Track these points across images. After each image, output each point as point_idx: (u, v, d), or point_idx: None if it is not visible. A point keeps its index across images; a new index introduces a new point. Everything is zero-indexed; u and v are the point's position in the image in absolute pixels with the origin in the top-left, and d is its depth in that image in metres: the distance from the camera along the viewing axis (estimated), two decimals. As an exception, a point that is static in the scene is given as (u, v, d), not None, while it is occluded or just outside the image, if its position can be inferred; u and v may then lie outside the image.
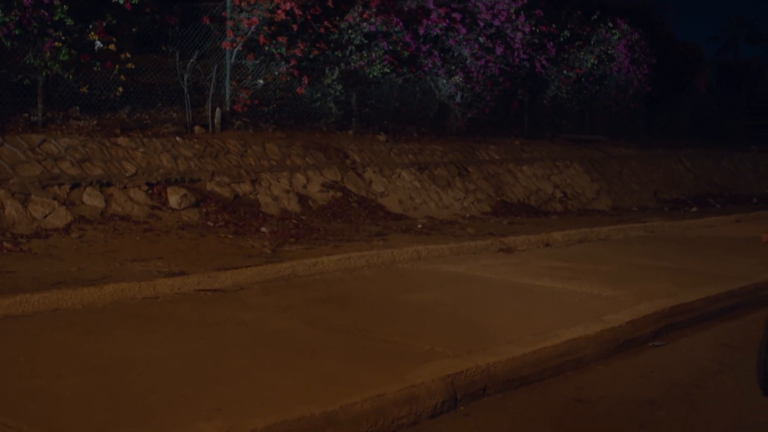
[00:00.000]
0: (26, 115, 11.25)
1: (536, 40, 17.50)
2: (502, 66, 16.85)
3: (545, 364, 6.60)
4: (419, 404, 5.51)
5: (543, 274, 9.79)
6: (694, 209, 18.51)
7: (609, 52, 19.24)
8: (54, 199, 10.17)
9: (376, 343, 6.53)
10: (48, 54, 10.85)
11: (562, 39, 18.31)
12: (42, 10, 10.48)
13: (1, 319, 6.74)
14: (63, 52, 10.89)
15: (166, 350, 6.12)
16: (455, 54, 16.11)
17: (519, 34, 16.84)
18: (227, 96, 13.19)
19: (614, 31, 19.19)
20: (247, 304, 7.71)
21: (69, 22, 10.78)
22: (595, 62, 19.05)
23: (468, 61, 16.24)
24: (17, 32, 10.43)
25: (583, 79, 19.11)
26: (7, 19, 10.20)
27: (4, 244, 9.19)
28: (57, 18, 10.63)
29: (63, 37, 10.87)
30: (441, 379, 5.74)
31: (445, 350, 6.40)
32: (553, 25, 17.96)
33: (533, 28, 17.24)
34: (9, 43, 10.54)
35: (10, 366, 5.59)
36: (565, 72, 18.62)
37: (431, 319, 7.47)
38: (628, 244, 12.81)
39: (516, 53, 17.07)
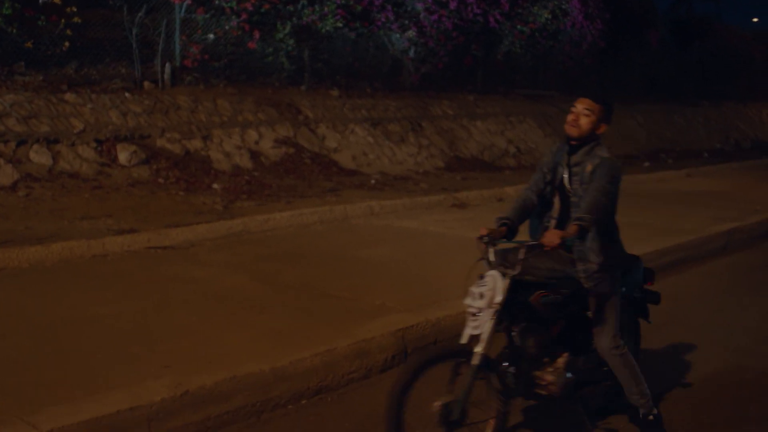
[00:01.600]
0: (-32, 71, 10.99)
1: (490, -5, 17.40)
2: (456, 21, 16.75)
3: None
4: (370, 358, 5.53)
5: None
6: (647, 164, 18.67)
7: (563, 6, 19.18)
8: (-1, 156, 9.98)
9: (327, 299, 6.53)
10: (-10, 8, 10.58)
11: (515, -7, 18.24)
12: (-17, -38, 10.21)
13: (-56, 278, 6.63)
14: (6, 5, 10.63)
15: (115, 308, 6.06)
16: (408, 8, 15.97)
17: (472, -11, 16.73)
18: (177, 51, 12.98)
19: (568, -14, 19.16)
20: (198, 261, 7.65)
21: (11, -26, 10.51)
22: (549, 17, 18.99)
23: (421, 16, 16.11)
24: (-42, -15, 10.16)
25: (537, 35, 19.05)
26: (-54, -28, 9.92)
27: (-52, 202, 9.02)
28: (-1, -30, 10.37)
29: (6, -9, 10.61)
30: (392, 333, 5.77)
31: (396, 305, 6.42)
32: (507, -21, 17.87)
33: (486, -18, 17.14)
34: (-51, -3, 10.27)
35: (-47, 326, 5.51)
36: (519, 27, 18.54)
37: (383, 274, 7.48)
38: (580, 199, 12.88)
39: (470, 8, 16.97)
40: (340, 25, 14.69)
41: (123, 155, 10.96)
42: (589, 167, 4.46)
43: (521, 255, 4.22)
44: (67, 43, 11.76)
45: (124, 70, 12.62)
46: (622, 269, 4.69)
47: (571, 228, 4.27)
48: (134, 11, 12.44)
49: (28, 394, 4.40)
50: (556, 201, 4.61)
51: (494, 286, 4.16)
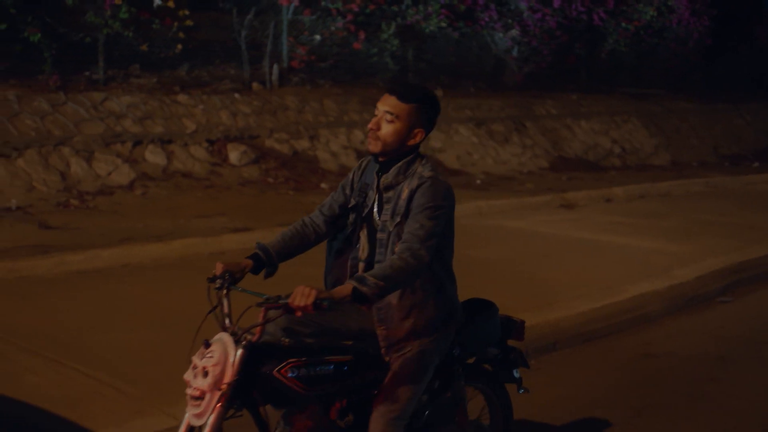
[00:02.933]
0: (87, 73, 11.34)
1: (594, -8, 17.19)
2: (560, 19, 16.60)
3: (613, 319, 6.58)
4: (489, 359, 5.51)
5: (605, 229, 9.71)
6: (756, 164, 18.16)
7: (669, 3, 18.82)
8: (117, 156, 10.28)
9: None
10: (108, 12, 10.91)
11: (620, -10, 17.97)
12: (102, -32, 10.54)
13: (73, 273, 6.87)
14: (123, 9, 10.95)
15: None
16: (512, 7, 15.90)
17: (577, -14, 16.56)
18: (284, 52, 13.17)
19: (674, -18, 18.81)
20: (312, 261, 7.73)
21: (128, -21, 10.83)
22: (655, 14, 18.66)
23: (525, 15, 16.02)
24: (78, -10, 10.51)
25: (641, 32, 18.73)
26: (68, -23, 10.28)
27: (71, 201, 9.34)
28: (117, -25, 10.69)
29: (123, -5, 10.93)
30: (510, 334, 5.73)
31: (513, 305, 6.38)
32: (612, -24, 17.63)
33: (591, -20, 16.95)
34: (70, 2, 10.61)
35: (87, 320, 5.70)
36: (623, 24, 18.26)
37: (496, 274, 7.45)
38: (689, 200, 12.63)
39: (573, 6, 16.79)
40: (444, 24, 14.71)
41: (233, 155, 11.17)
42: (404, 193, 3.23)
43: (261, 317, 3.00)
44: (179, 46, 12.07)
45: (233, 72, 12.86)
46: (454, 328, 3.42)
47: (344, 288, 2.98)
48: (243, 14, 12.67)
49: (165, 385, 4.51)
50: (363, 237, 3.37)
51: (223, 358, 2.96)
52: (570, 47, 17.50)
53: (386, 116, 3.24)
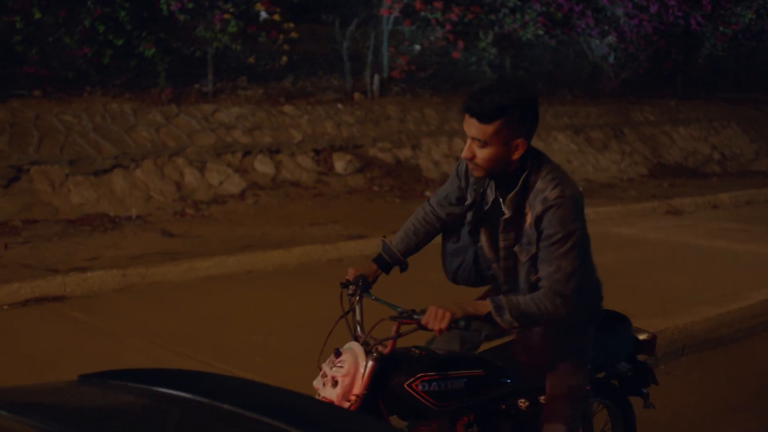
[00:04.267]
0: (197, 86, 11.64)
1: (691, -4, 16.98)
2: (656, 24, 16.42)
3: (740, 324, 6.51)
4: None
5: (717, 235, 9.59)
6: None
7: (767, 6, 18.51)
8: (228, 166, 10.53)
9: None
10: (218, 26, 11.19)
11: (718, -6, 17.71)
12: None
13: (202, 279, 7.08)
14: (231, 23, 11.21)
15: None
16: (608, 14, 15.79)
17: (674, -9, 16.38)
18: (385, 62, 13.32)
19: (774, -16, 18.44)
20: (431, 265, 7.82)
21: (237, -6, 11.10)
22: (753, 17, 18.32)
23: (621, 21, 15.90)
24: (190, 5, 10.78)
25: (739, 36, 18.41)
26: (181, -7, 10.57)
27: (186, 210, 9.61)
28: (227, -9, 10.97)
29: (231, 10, 11.19)
30: (642, 338, 5.73)
31: (638, 311, 6.37)
32: (710, -20, 17.39)
33: (689, -16, 16.74)
34: (182, 17, 10.92)
35: (226, 323, 5.88)
36: (721, 29, 17.97)
37: (614, 280, 7.36)
38: (798, 206, 12.39)
39: (670, 11, 16.60)
40: (541, 32, 14.70)
41: (339, 164, 11.34)
42: (528, 218, 2.93)
43: (394, 330, 2.92)
44: (284, 58, 12.31)
45: (336, 82, 13.06)
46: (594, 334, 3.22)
47: (481, 307, 2.87)
48: (345, 25, 12.87)
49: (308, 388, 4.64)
50: (483, 238, 3.14)
51: (353, 369, 2.89)
52: (667, 53, 17.30)
53: (475, 143, 2.91)
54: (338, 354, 2.95)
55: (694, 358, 5.98)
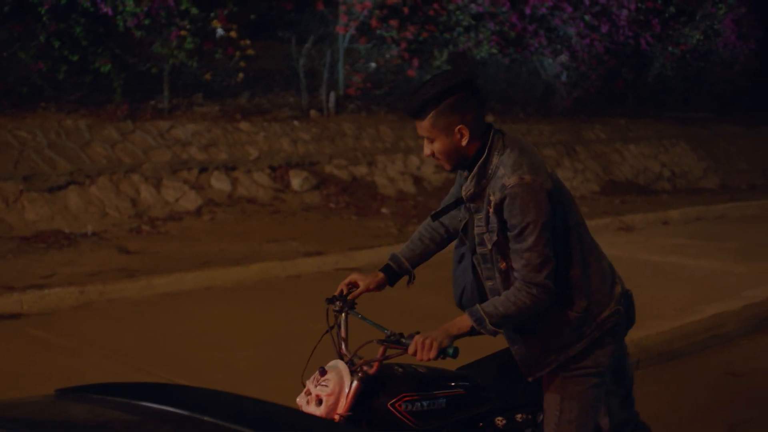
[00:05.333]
0: (153, 102, 11.60)
1: (641, 17, 17.28)
2: (607, 44, 16.70)
3: (693, 338, 6.65)
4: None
5: (669, 251, 9.77)
6: (809, 187, 18.10)
7: (715, 27, 18.88)
8: (184, 183, 10.51)
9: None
10: (174, 43, 11.16)
11: (667, 15, 18.01)
12: (169, 0, 10.79)
13: (160, 296, 7.06)
14: (188, 40, 11.20)
15: (325, 325, 6.32)
16: (561, 33, 16.03)
17: (624, 12, 16.67)
18: (340, 80, 13.39)
19: (720, 6, 18.81)
20: (431, 287, 7.83)
21: (194, 11, 11.08)
22: (701, 38, 18.71)
23: (573, 40, 16.15)
24: (146, 22, 10.76)
25: (687, 56, 18.79)
26: (138, 10, 10.53)
27: (142, 226, 9.56)
28: (183, 7, 10.94)
29: (188, 26, 11.18)
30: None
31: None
32: (659, 1, 17.72)
33: (639, 5, 17.03)
34: (138, 33, 10.88)
35: (186, 339, 5.88)
36: (669, 49, 18.33)
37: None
38: (746, 222, 12.63)
39: (621, 30, 16.90)
40: (495, 51, 14.88)
41: (295, 181, 11.36)
42: (491, 207, 2.87)
43: (380, 353, 2.92)
44: (240, 75, 12.32)
45: (292, 99, 13.09)
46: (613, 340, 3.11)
47: (462, 324, 2.87)
48: (301, 43, 12.92)
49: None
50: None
51: (338, 389, 2.88)
52: (618, 72, 17.60)
53: (426, 140, 2.94)
54: (323, 372, 2.94)
55: (648, 372, 6.08)
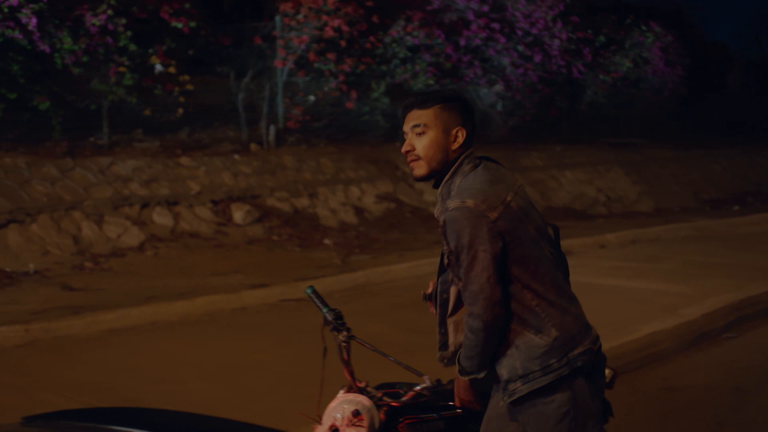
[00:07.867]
0: (92, 138, 11.60)
1: (573, 47, 17.73)
2: (541, 73, 17.10)
3: (631, 356, 6.85)
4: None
5: (607, 273, 10.02)
6: (736, 208, 18.63)
7: (644, 55, 19.42)
8: (126, 218, 10.50)
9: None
10: (113, 79, 11.20)
11: (597, 44, 18.53)
12: (107, 37, 10.84)
13: (106, 332, 7.07)
14: (127, 76, 11.25)
15: (272, 355, 6.41)
16: (495, 63, 16.37)
17: (556, 41, 17.10)
18: (280, 113, 13.51)
19: (648, 34, 19.38)
20: (381, 315, 7.94)
21: (132, 47, 11.14)
22: (631, 66, 19.24)
23: (508, 70, 16.50)
24: (84, 59, 10.79)
25: (618, 83, 19.30)
26: (75, 47, 10.56)
27: (85, 263, 9.53)
28: (122, 44, 10.99)
29: (126, 63, 11.23)
30: (540, 372, 5.98)
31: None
32: (589, 31, 18.20)
33: (570, 35, 17.49)
34: (77, 70, 10.89)
35: (134, 374, 5.90)
36: (601, 77, 18.82)
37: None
38: (680, 243, 12.97)
39: (554, 60, 17.32)
40: (432, 82, 15.12)
41: (238, 214, 11.42)
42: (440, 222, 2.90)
43: (406, 396, 3.14)
44: (180, 110, 12.37)
45: (232, 133, 13.18)
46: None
47: (460, 382, 3.06)
48: (240, 77, 13.03)
49: None
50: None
51: (372, 429, 3.00)
52: (552, 100, 18.01)
53: (415, 130, 2.88)
54: (357, 414, 2.98)
55: (589, 390, 6.25)
